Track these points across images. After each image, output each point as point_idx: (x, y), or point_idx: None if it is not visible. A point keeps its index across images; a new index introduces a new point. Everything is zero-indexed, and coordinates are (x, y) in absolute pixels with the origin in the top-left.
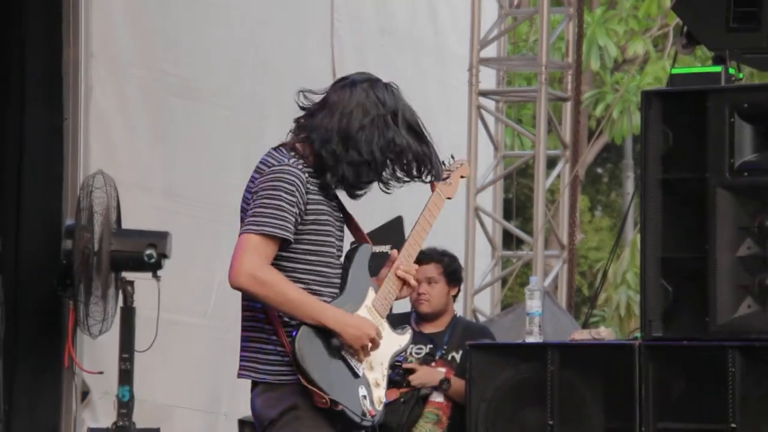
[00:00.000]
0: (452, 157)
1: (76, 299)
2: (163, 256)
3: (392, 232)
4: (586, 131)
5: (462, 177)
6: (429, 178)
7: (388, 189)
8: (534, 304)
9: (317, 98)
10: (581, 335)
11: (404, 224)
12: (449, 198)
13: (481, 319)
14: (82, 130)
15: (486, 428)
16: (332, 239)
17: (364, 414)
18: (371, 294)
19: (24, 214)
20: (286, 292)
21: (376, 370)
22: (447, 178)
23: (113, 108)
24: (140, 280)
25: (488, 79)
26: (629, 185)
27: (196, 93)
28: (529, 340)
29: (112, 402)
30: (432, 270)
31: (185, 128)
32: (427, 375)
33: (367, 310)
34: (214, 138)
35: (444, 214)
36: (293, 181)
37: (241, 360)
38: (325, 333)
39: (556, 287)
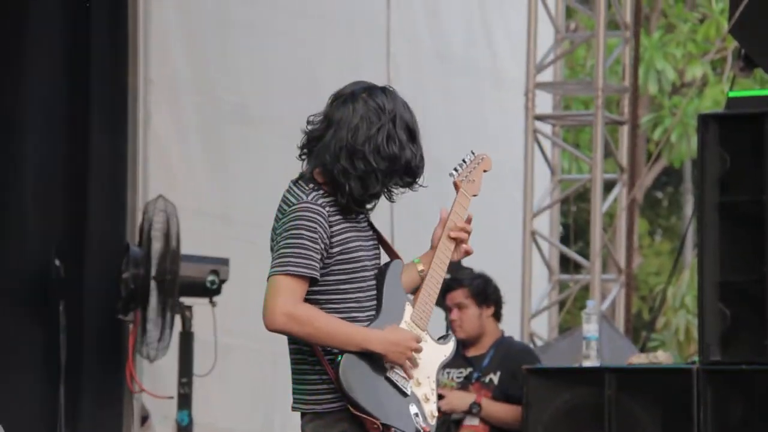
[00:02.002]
0: (472, 152)
1: (140, 324)
2: (223, 282)
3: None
4: (644, 155)
5: (485, 171)
6: (421, 182)
7: (392, 198)
8: (591, 327)
9: (317, 121)
10: (639, 359)
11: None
12: (475, 195)
13: (539, 343)
14: (141, 156)
15: None
16: (364, 263)
17: None
18: (408, 309)
19: (87, 239)
20: (323, 325)
21: (423, 384)
22: (468, 175)
23: (171, 134)
24: (197, 305)
25: (545, 103)
26: (689, 209)
27: (252, 119)
28: (586, 364)
29: (172, 426)
30: (460, 295)
31: (241, 154)
32: (457, 400)
33: (406, 326)
34: (269, 164)
35: (501, 238)
36: (313, 218)
37: (292, 392)
38: (368, 357)
39: (614, 311)
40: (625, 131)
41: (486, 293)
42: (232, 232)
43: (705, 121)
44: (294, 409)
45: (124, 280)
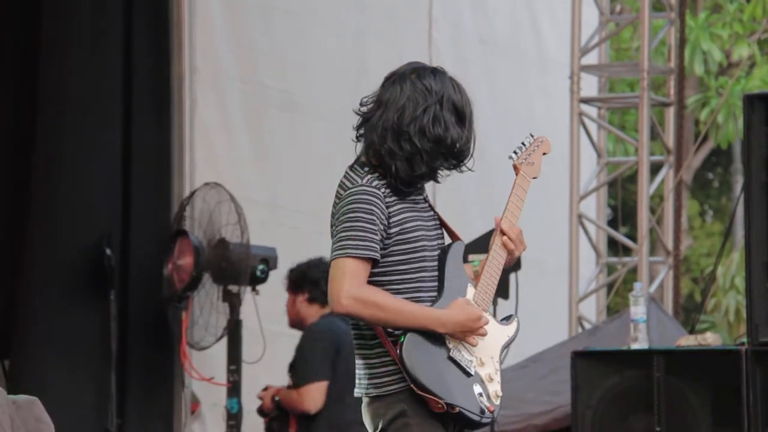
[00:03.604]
0: (531, 135)
1: (189, 312)
2: (272, 270)
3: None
4: (692, 136)
5: (544, 154)
6: (469, 164)
7: (437, 179)
8: (638, 310)
9: (370, 101)
10: (687, 341)
11: None
12: (535, 178)
13: (587, 326)
14: (187, 143)
15: None
16: (424, 243)
17: (482, 411)
18: (470, 290)
19: (134, 229)
20: (388, 306)
21: (487, 365)
22: (528, 158)
23: (216, 122)
24: (246, 292)
25: (590, 85)
26: (738, 189)
27: (297, 106)
28: (635, 346)
29: (221, 414)
30: (286, 285)
31: (287, 140)
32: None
33: None
34: (315, 150)
35: (548, 221)
36: (369, 200)
37: (356, 378)
38: (431, 336)
39: (663, 293)
40: (671, 113)
41: (297, 281)
42: (278, 219)
43: (750, 101)
44: (356, 394)
45: (179, 267)
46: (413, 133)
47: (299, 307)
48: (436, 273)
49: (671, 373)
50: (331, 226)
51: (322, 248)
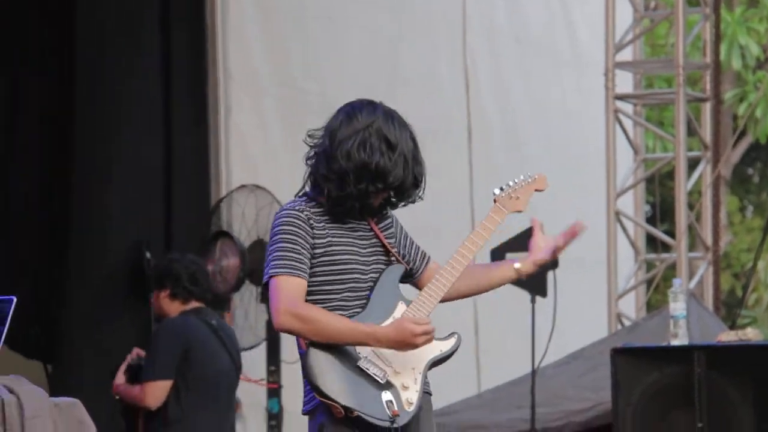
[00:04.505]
0: (527, 175)
1: (231, 313)
2: None
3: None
4: (730, 131)
5: (537, 190)
6: (420, 194)
7: (370, 203)
8: (678, 306)
9: (318, 135)
10: (728, 337)
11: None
12: (519, 211)
13: (626, 323)
14: (223, 148)
15: None
16: (354, 266)
17: (389, 417)
18: (401, 308)
19: (173, 232)
20: (325, 322)
21: (403, 374)
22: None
23: (252, 126)
24: None
25: (626, 82)
26: None
27: (331, 109)
28: (675, 342)
29: (262, 414)
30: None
31: None
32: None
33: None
34: None
35: (585, 219)
36: (292, 221)
37: None
38: (337, 348)
39: (702, 289)
40: (707, 108)
41: (159, 277)
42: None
43: None
44: (303, 412)
45: (222, 268)
46: (340, 156)
47: (162, 302)
48: (365, 293)
49: (712, 368)
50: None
51: None
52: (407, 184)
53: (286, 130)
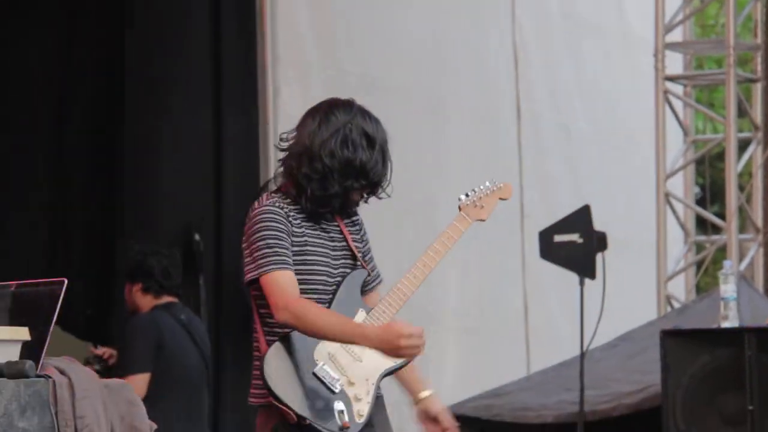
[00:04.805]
0: (492, 181)
1: None
2: None
3: (579, 221)
4: None
5: (502, 199)
6: (387, 191)
7: (351, 204)
8: (728, 288)
9: (290, 136)
10: None
11: (591, 213)
12: (482, 220)
13: (675, 305)
14: (271, 132)
15: (683, 415)
16: (324, 268)
17: (340, 428)
18: (361, 314)
19: (223, 214)
20: (321, 320)
21: (358, 385)
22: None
23: (300, 109)
24: None
25: (676, 63)
26: None
27: (377, 90)
28: (725, 325)
29: None
30: None
31: None
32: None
33: None
34: (396, 135)
35: (634, 200)
36: (273, 217)
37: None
38: (296, 352)
39: (753, 271)
40: (758, 89)
41: (131, 271)
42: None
43: None
44: (249, 402)
45: None
46: (324, 155)
47: (134, 296)
48: (329, 296)
49: (763, 351)
50: (243, 247)
51: (405, 233)
52: (384, 180)
53: None
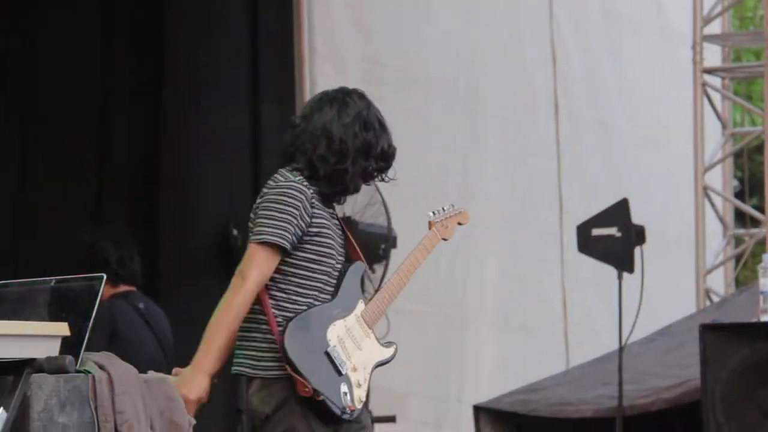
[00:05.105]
0: (452, 205)
1: None
2: (392, 249)
3: (617, 214)
4: None
5: (460, 224)
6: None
7: (357, 188)
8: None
9: (299, 119)
10: None
11: (629, 206)
12: (445, 239)
13: (714, 299)
14: None
15: (723, 409)
16: (333, 252)
17: (344, 408)
18: (360, 306)
19: None
20: (225, 314)
21: (359, 372)
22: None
23: None
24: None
25: (714, 55)
26: None
27: (414, 83)
28: (764, 318)
29: None
30: None
31: (404, 118)
32: None
33: (355, 318)
34: (432, 126)
35: (672, 193)
36: (297, 195)
37: (236, 357)
38: (312, 330)
39: None
40: None
41: (88, 260)
42: (395, 195)
43: None
44: (235, 371)
45: None
46: (347, 137)
47: None
48: (334, 282)
49: None
50: (250, 221)
51: None
52: (392, 162)
53: None
